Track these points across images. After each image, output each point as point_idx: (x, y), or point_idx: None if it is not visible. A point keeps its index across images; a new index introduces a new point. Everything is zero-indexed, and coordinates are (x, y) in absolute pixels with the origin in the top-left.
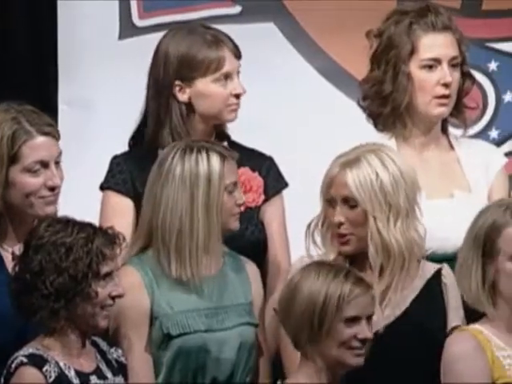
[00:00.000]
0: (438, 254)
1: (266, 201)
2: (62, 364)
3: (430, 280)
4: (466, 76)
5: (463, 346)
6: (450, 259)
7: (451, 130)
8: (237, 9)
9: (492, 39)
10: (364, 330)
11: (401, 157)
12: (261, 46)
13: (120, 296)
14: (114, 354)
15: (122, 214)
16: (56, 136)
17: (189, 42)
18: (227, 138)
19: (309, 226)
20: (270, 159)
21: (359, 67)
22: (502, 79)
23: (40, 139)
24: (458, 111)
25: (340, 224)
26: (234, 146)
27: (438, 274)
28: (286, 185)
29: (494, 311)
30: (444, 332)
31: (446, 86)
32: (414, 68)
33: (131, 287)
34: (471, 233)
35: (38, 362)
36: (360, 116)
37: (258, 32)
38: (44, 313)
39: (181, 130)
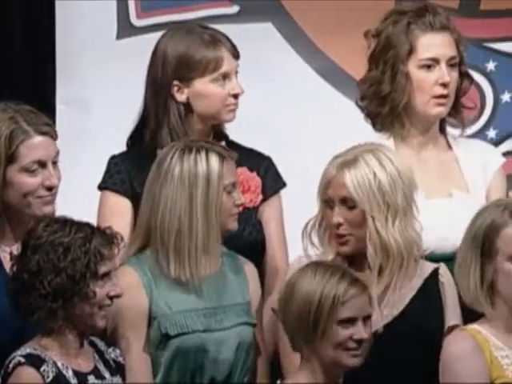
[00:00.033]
0: (436, 254)
1: (264, 201)
2: (59, 364)
3: (427, 279)
4: (464, 76)
5: (462, 346)
6: (449, 259)
7: (449, 129)
8: (234, 9)
9: (490, 39)
10: (360, 331)
11: (398, 156)
12: (259, 46)
13: (118, 296)
14: (112, 353)
15: (119, 214)
16: (54, 136)
17: (187, 42)
18: (225, 137)
19: (306, 226)
20: (268, 159)
21: (357, 67)
22: (500, 79)
23: (38, 139)
24: (456, 111)
25: (339, 225)
26: (232, 145)
27: (435, 273)
28: (284, 185)
29: (493, 311)
30: (442, 331)
31: (445, 85)
32: (412, 68)
33: (129, 287)
34: (470, 233)
35: (35, 361)
36: (358, 116)
37: (255, 32)
38: (42, 313)
39: (179, 130)
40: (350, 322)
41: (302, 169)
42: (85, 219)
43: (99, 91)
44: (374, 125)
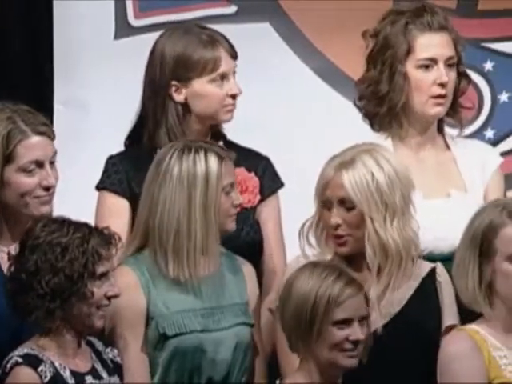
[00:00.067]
0: (434, 254)
1: (261, 201)
2: (57, 364)
3: (424, 279)
4: (461, 76)
5: (460, 346)
6: (447, 259)
7: (447, 129)
8: (232, 9)
9: (488, 39)
10: (356, 332)
11: (395, 155)
12: (256, 46)
13: (116, 296)
14: (110, 354)
15: (117, 215)
16: (51, 136)
17: (185, 43)
18: (223, 137)
19: (302, 227)
20: (265, 159)
21: (355, 67)
22: (498, 79)
23: (35, 139)
24: (454, 111)
25: (337, 226)
26: (230, 145)
27: (432, 272)
28: (281, 185)
29: (491, 311)
30: (440, 331)
31: (443, 85)
32: (410, 68)
33: (127, 287)
34: (468, 233)
35: (33, 361)
36: (356, 116)
37: (253, 32)
38: (40, 313)
39: (177, 130)
40: (345, 322)
41: (300, 169)
42: (82, 219)
43: (97, 91)
44: (372, 125)
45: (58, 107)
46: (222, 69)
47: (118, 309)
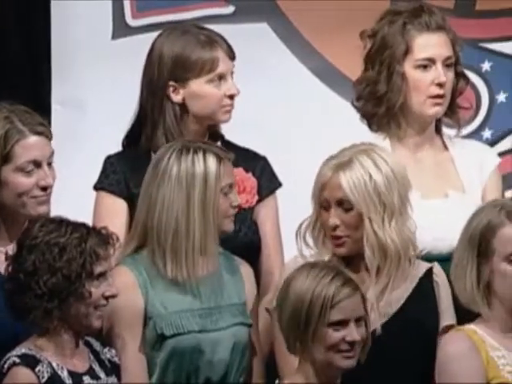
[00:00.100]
0: (432, 254)
1: (259, 201)
2: (54, 364)
3: (421, 279)
4: (459, 76)
5: (458, 346)
6: (445, 259)
7: (445, 130)
8: (230, 9)
9: (485, 39)
10: (352, 333)
11: (391, 155)
12: (254, 46)
13: (113, 296)
14: (108, 354)
15: (115, 215)
16: (49, 136)
17: (183, 43)
18: (221, 137)
19: (299, 227)
20: (263, 159)
21: (353, 67)
22: (496, 79)
23: (33, 139)
24: (452, 111)
25: (335, 227)
26: (228, 145)
27: (429, 272)
28: (279, 185)
29: (489, 311)
30: (437, 330)
31: (441, 85)
32: (408, 68)
33: (125, 287)
34: (466, 233)
35: (30, 362)
36: (354, 116)
37: (251, 32)
38: (37, 313)
39: (174, 130)
40: (341, 324)
41: (297, 169)
42: (80, 219)
43: (95, 91)
44: (369, 125)
45: (55, 107)
46: (220, 69)
47: (116, 309)
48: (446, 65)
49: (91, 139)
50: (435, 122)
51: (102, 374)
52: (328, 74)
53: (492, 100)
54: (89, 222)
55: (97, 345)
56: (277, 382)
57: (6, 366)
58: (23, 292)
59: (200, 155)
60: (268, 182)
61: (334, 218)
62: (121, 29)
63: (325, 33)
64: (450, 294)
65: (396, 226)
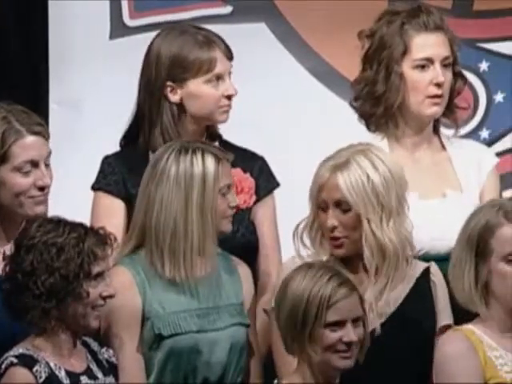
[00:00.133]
0: (430, 254)
1: (257, 201)
2: (52, 364)
3: (418, 279)
4: (457, 76)
5: (456, 347)
6: (443, 259)
7: (442, 130)
8: (228, 9)
9: (483, 39)
10: (349, 334)
11: (388, 155)
12: (252, 46)
13: (111, 296)
14: (105, 354)
15: (113, 215)
16: (46, 136)
17: (181, 43)
18: (219, 137)
19: (296, 228)
20: (261, 159)
21: (350, 68)
22: (493, 79)
23: (30, 139)
24: (450, 111)
25: (333, 228)
26: (226, 145)
27: (426, 272)
28: (277, 185)
29: (487, 311)
30: (434, 330)
31: (439, 85)
32: (406, 68)
33: (122, 287)
34: (464, 233)
35: (28, 362)
36: (351, 116)
37: (249, 32)
38: (35, 313)
39: (171, 130)
40: (338, 324)
41: (295, 169)
42: (77, 219)
43: (92, 91)
44: (367, 125)
45: (52, 106)
46: (218, 69)
47: (114, 309)
48: (444, 65)
49: (89, 139)
50: (433, 122)
51: (100, 374)
52: (326, 74)
53: (490, 100)
54: (86, 222)
55: (94, 345)
56: (275, 382)
57: (3, 366)
58: (21, 292)
59: (199, 156)
60: (266, 182)
61: (332, 219)
62: (118, 29)
63: (322, 33)
64: (447, 294)
65: (394, 226)
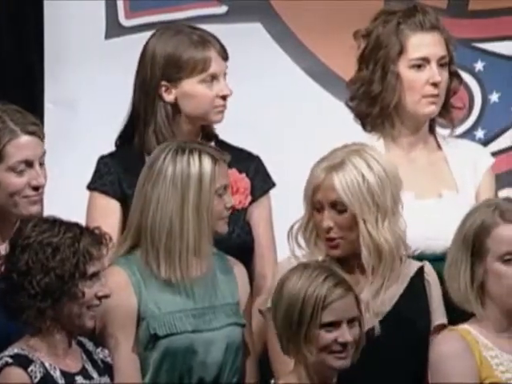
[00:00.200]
0: (426, 254)
1: (253, 201)
2: (47, 364)
3: (413, 278)
4: (453, 76)
5: (452, 346)
6: (439, 259)
7: (438, 129)
8: (223, 9)
9: (478, 39)
10: (344, 335)
11: (382, 155)
12: (247, 46)
13: (106, 296)
14: (100, 354)
15: (108, 216)
16: (41, 135)
17: (176, 43)
18: (215, 137)
19: (291, 228)
20: (257, 159)
21: (346, 68)
22: (489, 79)
23: (24, 138)
24: (446, 111)
25: (329, 229)
26: (222, 145)
27: (420, 271)
28: (273, 185)
29: (483, 311)
30: (429, 329)
31: (435, 85)
32: (402, 68)
33: (118, 287)
34: (460, 233)
35: (23, 362)
36: (347, 116)
37: (244, 32)
38: (30, 312)
39: (165, 130)
40: (333, 325)
41: (291, 169)
42: (73, 219)
43: (87, 91)
44: (363, 125)
45: (48, 106)
46: (212, 69)
47: (109, 309)
48: (441, 64)
49: (84, 139)
50: (429, 122)
51: (95, 374)
52: (321, 74)
53: (485, 100)
54: (82, 222)
55: (89, 345)
56: (272, 382)
57: None
58: (16, 292)
59: (195, 156)
60: (262, 183)
61: (328, 220)
62: (114, 28)
63: (318, 33)
64: (441, 293)
65: (389, 225)
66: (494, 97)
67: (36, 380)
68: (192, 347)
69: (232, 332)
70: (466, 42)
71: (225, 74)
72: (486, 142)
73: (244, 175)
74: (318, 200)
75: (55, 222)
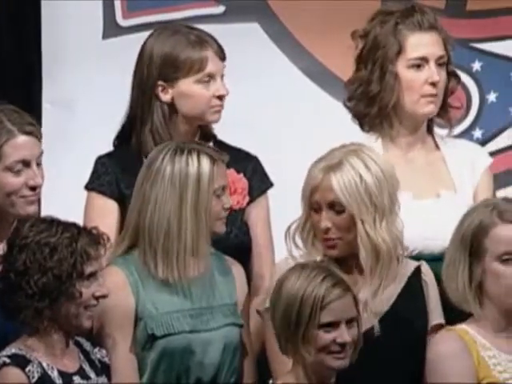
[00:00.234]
0: (424, 254)
1: (250, 201)
2: (45, 364)
3: (410, 278)
4: (451, 75)
5: (449, 346)
6: (437, 259)
7: (436, 129)
8: (220, 9)
9: (476, 39)
10: (343, 335)
11: (379, 155)
12: (245, 46)
13: (104, 296)
14: (98, 354)
15: (106, 216)
16: (38, 135)
17: (173, 42)
18: (213, 137)
19: (288, 229)
20: (255, 159)
21: (344, 68)
22: (486, 79)
23: (22, 138)
24: (444, 111)
25: (327, 229)
26: (221, 145)
27: (417, 271)
28: (271, 185)
29: (481, 311)
30: (426, 329)
31: (434, 84)
32: (401, 68)
33: (115, 287)
34: (458, 233)
35: (20, 362)
36: (345, 116)
37: (241, 32)
38: (28, 312)
39: (162, 130)
40: (331, 325)
41: (289, 169)
42: (70, 219)
43: (85, 91)
44: (361, 125)
45: (45, 106)
46: (209, 69)
47: (107, 309)
48: (439, 64)
49: (82, 139)
50: (427, 122)
51: (93, 374)
52: (319, 74)
53: (482, 100)
54: (79, 222)
55: (87, 345)
56: (270, 382)
57: None
58: (14, 292)
59: (194, 156)
60: (259, 183)
61: (326, 220)
62: (111, 29)
63: (316, 33)
64: (438, 293)
65: (386, 225)
66: (492, 97)
67: (34, 380)
68: (190, 347)
69: (230, 332)
70: (463, 42)
71: (222, 75)
72: (483, 142)
73: (242, 175)
74: (316, 200)
75: (53, 222)
